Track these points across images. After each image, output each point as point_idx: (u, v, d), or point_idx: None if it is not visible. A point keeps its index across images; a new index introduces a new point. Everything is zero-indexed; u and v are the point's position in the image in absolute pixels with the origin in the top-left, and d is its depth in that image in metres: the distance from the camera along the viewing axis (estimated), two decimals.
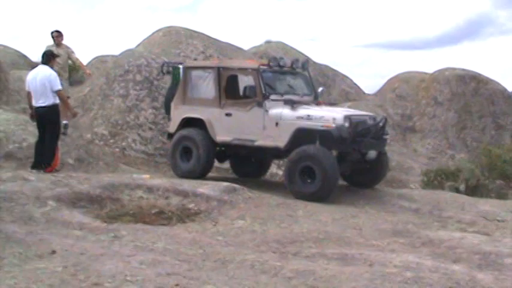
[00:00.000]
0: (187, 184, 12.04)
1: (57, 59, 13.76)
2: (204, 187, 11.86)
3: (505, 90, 29.57)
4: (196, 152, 13.81)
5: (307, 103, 13.56)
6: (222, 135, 13.75)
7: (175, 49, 21.11)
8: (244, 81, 13.79)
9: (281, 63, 13.85)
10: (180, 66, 14.72)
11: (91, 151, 16.09)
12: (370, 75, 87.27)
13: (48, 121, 12.50)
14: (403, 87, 31.10)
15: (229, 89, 13.87)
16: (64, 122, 14.64)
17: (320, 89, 14.54)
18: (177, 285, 6.52)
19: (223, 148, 14.29)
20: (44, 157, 12.43)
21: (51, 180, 11.17)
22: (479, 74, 29.20)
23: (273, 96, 13.28)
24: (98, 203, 10.69)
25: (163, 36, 22.23)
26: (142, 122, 18.32)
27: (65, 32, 15.45)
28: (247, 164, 15.33)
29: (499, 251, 9.06)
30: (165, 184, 11.79)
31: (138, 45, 22.50)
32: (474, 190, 19.61)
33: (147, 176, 13.46)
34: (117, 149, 17.70)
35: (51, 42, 15.23)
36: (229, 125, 13.68)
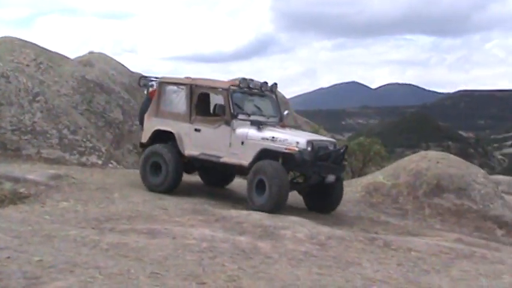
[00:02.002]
0: (18, 171, 11.62)
1: None
2: (34, 174, 11.46)
3: (283, 96, 30.61)
4: (165, 168, 12.26)
5: (272, 125, 12.23)
6: (190, 149, 12.28)
7: (9, 56, 20.01)
8: (215, 99, 12.50)
9: (251, 85, 12.41)
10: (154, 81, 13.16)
11: None
12: None
13: None
14: None
15: (200, 105, 12.53)
16: None
17: (285, 112, 13.12)
18: (8, 257, 6.23)
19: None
20: None
21: None
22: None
23: (240, 116, 11.92)
24: None
25: None
26: None
27: None
28: (214, 173, 13.61)
29: (277, 225, 9.38)
30: None
31: None
32: None
33: None
34: None
35: None
36: (198, 140, 12.22)
